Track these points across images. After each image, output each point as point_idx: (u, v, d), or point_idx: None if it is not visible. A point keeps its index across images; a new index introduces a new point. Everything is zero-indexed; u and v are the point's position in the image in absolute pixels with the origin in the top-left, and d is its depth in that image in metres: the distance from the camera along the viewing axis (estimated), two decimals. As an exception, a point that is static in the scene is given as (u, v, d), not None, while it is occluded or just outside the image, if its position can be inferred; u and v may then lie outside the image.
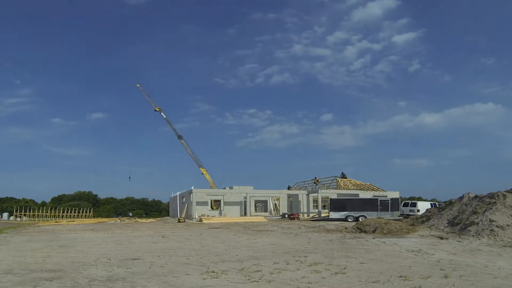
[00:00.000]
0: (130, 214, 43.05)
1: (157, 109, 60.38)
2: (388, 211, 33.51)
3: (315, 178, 55.55)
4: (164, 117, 60.24)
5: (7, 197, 74.11)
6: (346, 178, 53.23)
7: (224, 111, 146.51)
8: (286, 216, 41.83)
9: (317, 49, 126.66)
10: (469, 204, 20.85)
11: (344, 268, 9.71)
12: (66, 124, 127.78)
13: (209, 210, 46.17)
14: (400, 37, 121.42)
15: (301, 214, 43.37)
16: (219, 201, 47.66)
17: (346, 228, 22.50)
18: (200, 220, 38.13)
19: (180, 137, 59.10)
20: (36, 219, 54.62)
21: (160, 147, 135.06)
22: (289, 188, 57.77)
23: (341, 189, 50.18)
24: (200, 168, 57.57)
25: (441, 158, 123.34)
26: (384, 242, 15.60)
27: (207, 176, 57.12)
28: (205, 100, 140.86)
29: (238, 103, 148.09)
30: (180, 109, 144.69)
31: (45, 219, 54.31)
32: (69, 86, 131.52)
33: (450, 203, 23.10)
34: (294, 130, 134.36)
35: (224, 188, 51.15)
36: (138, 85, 62.83)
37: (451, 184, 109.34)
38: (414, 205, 33.43)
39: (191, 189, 44.90)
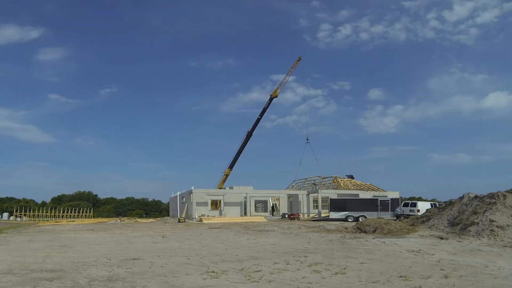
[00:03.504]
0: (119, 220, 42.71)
1: (275, 95, 54.50)
2: (388, 211, 33.53)
3: (340, 176, 54.25)
4: (266, 107, 54.35)
5: (7, 197, 74.21)
6: (353, 179, 53.10)
7: (251, 80, 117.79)
8: (286, 216, 41.84)
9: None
10: (469, 204, 20.83)
11: (344, 268, 9.70)
12: (67, 103, 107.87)
13: (209, 210, 46.18)
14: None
15: (301, 214, 43.38)
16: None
17: (346, 228, 22.49)
18: (200, 220, 38.13)
19: (250, 135, 54.22)
20: (36, 219, 54.60)
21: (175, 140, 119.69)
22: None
23: (341, 189, 50.26)
24: (229, 169, 54.01)
25: (484, 153, 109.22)
26: (384, 242, 15.59)
27: (226, 178, 53.98)
28: (227, 60, 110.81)
29: (275, 66, 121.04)
30: (185, 71, 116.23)
31: (45, 219, 54.29)
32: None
33: (450, 203, 23.08)
34: (330, 109, 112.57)
35: (224, 188, 51.14)
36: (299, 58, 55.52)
37: (486, 184, 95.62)
38: (414, 205, 33.42)
39: (191, 189, 44.91)
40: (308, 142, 54.86)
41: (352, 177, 54.58)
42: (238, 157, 54.45)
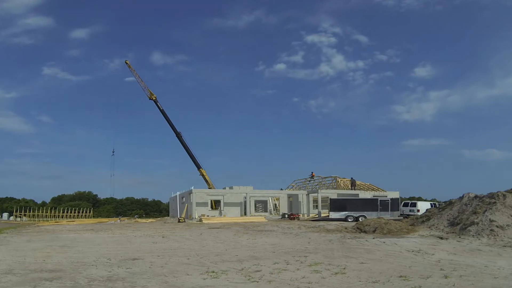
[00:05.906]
0: (119, 220, 42.66)
1: (153, 98, 52.14)
2: (388, 211, 33.53)
3: (312, 173, 55.04)
4: (161, 108, 52.34)
5: (7, 197, 74.16)
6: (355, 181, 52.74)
7: (278, 44, 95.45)
8: (286, 216, 41.83)
9: None
10: (469, 204, 20.84)
11: (344, 268, 9.70)
12: (67, 80, 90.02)
13: (209, 210, 46.17)
14: None
15: (301, 214, 43.38)
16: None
17: (346, 228, 22.50)
18: (200, 220, 38.12)
19: (179, 134, 52.81)
20: (36, 219, 54.51)
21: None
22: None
23: (341, 189, 50.24)
24: (200, 169, 53.59)
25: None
26: (384, 242, 15.60)
27: (207, 177, 53.63)
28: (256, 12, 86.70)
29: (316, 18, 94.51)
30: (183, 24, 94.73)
31: (45, 219, 54.19)
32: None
33: (450, 203, 23.09)
34: (363, 89, 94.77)
35: (224, 188, 51.14)
36: (126, 62, 52.97)
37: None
38: (414, 205, 33.43)
39: (191, 189, 44.90)
40: (113, 155, 54.56)
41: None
42: (194, 158, 53.63)
